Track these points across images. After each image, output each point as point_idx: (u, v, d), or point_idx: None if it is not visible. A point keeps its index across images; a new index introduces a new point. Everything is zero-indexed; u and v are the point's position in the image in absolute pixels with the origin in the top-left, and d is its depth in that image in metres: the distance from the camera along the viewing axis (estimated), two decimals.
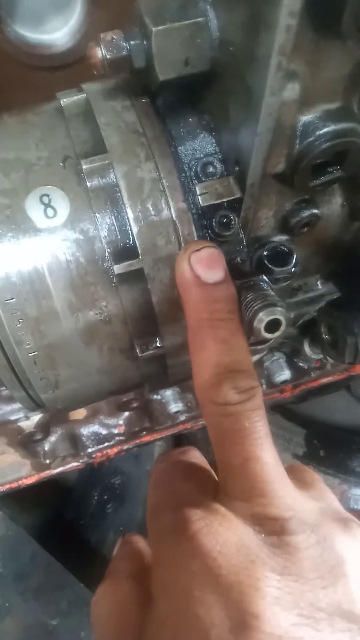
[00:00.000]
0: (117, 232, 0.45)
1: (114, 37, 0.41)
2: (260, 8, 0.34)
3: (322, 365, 1.02)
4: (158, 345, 0.49)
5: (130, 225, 0.44)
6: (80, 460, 1.02)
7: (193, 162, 0.47)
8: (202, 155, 0.48)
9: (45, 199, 0.43)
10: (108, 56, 0.41)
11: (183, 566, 0.37)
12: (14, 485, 0.98)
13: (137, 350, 0.49)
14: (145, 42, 0.42)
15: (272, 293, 0.44)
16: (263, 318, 0.42)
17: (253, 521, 0.38)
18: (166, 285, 0.46)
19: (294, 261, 0.54)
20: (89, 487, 1.50)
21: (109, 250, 0.45)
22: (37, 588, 1.23)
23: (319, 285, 0.71)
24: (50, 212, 0.43)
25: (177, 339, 0.50)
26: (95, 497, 1.49)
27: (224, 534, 0.37)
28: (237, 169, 0.46)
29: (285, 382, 0.98)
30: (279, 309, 0.42)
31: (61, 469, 1.01)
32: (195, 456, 0.49)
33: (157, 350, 0.49)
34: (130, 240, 0.45)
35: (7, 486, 0.96)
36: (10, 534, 1.28)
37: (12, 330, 0.44)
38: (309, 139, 0.44)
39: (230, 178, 0.46)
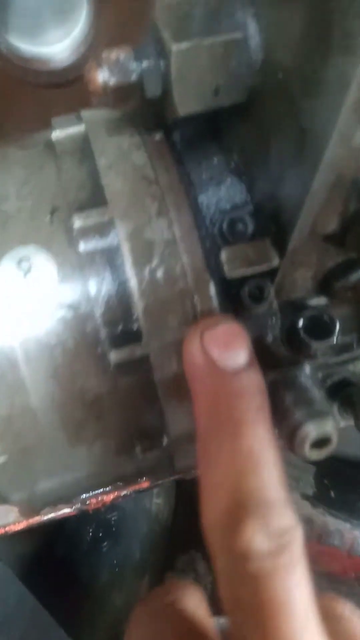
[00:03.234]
0: (117, 308, 0.34)
1: (121, 56, 0.31)
2: (334, 16, 0.24)
3: None
4: (163, 444, 0.39)
5: (134, 301, 0.34)
6: (73, 507, 0.93)
7: (217, 216, 0.37)
8: (228, 206, 0.37)
9: (25, 265, 0.33)
10: (111, 82, 0.31)
11: None
12: (1, 531, 0.89)
13: (138, 449, 0.38)
14: (162, 64, 0.31)
15: (319, 395, 0.34)
16: (311, 432, 0.32)
17: None
18: (178, 376, 0.36)
19: (336, 332, 0.44)
20: (83, 522, 1.40)
21: (105, 331, 0.34)
22: (22, 636, 1.13)
23: (355, 345, 0.61)
24: (30, 280, 0.33)
25: (188, 434, 0.40)
26: (90, 534, 1.39)
27: None
28: (273, 227, 0.36)
29: None
30: (331, 421, 0.32)
31: (52, 515, 0.91)
32: (192, 603, 0.36)
33: (161, 452, 0.39)
34: (133, 319, 0.34)
35: None
36: None
37: None
38: None
39: (267, 241, 0.36)
